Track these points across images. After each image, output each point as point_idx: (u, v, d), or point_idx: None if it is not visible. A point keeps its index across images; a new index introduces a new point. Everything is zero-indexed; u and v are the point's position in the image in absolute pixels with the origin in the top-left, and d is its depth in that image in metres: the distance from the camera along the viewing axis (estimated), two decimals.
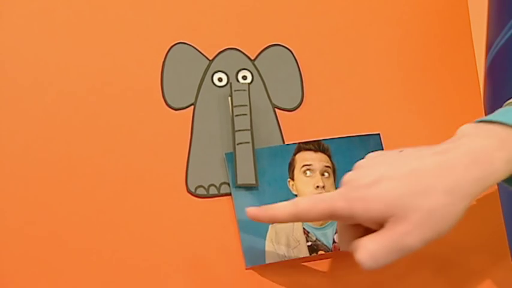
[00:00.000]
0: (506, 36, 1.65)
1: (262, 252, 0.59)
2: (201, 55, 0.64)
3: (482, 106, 0.68)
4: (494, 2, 1.68)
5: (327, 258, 0.60)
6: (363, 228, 0.52)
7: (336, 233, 0.60)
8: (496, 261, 0.64)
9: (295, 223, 0.60)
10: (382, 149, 0.63)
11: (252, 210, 0.55)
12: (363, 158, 0.60)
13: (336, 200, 0.52)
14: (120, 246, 0.58)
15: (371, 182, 0.51)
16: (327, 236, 0.60)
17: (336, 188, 0.61)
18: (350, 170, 0.60)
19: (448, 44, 0.70)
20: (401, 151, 0.54)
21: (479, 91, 0.69)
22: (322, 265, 0.60)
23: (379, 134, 0.64)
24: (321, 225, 0.60)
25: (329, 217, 0.52)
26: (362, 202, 0.51)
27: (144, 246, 0.58)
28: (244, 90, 0.62)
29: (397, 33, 0.68)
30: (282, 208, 0.54)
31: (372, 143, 0.64)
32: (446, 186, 0.50)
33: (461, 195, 0.50)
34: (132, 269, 0.58)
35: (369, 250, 0.50)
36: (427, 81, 0.68)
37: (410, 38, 0.69)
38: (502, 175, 0.52)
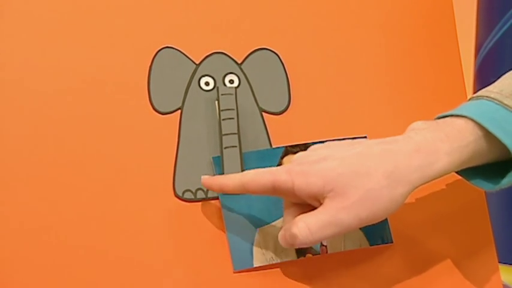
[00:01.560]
0: (495, 38, 1.67)
1: (250, 255, 0.59)
2: (188, 59, 0.64)
3: None
4: (483, 5, 1.70)
5: (315, 261, 0.61)
6: (308, 209, 0.55)
7: None
8: (483, 263, 0.65)
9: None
10: None
11: (205, 179, 0.58)
12: None
13: (279, 173, 0.55)
14: (106, 250, 0.58)
15: (316, 160, 0.54)
16: None
17: None
18: None
19: (434, 47, 0.70)
20: (354, 138, 0.58)
21: (465, 94, 0.69)
22: (310, 268, 0.61)
23: (365, 137, 0.64)
24: None
25: (272, 190, 0.55)
26: (303, 176, 0.53)
27: (131, 250, 0.58)
28: (231, 94, 0.63)
29: (383, 36, 0.69)
30: (231, 178, 0.57)
31: None
32: (386, 170, 0.53)
33: (401, 181, 0.53)
34: (120, 273, 0.58)
35: (305, 223, 0.53)
36: (413, 84, 0.69)
37: (397, 41, 0.69)
38: (446, 166, 0.54)
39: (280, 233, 0.55)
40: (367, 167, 0.53)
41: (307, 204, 0.55)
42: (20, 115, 0.60)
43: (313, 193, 0.53)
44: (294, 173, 0.54)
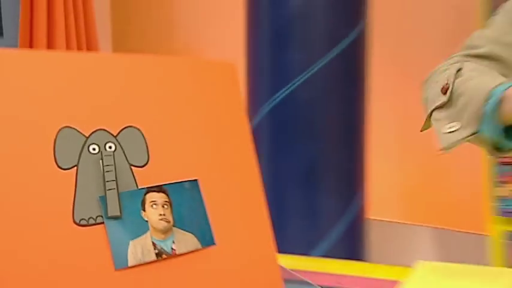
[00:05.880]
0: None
1: (126, 257, 0.87)
2: (80, 134, 0.84)
3: None
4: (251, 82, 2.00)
5: (167, 259, 0.89)
6: None
7: (174, 243, 0.91)
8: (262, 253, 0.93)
9: (147, 237, 0.89)
10: (200, 193, 0.93)
11: None
12: (188, 197, 0.90)
13: None
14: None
15: None
16: (167, 245, 0.90)
17: (173, 216, 0.90)
18: (181, 204, 0.89)
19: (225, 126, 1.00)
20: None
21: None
22: (165, 265, 0.89)
23: (196, 180, 0.94)
24: (163, 238, 0.91)
25: None
26: None
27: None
28: (110, 155, 0.85)
29: (197, 115, 0.98)
30: None
31: (189, 186, 0.93)
32: None
33: None
34: None
35: None
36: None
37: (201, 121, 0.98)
38: None
39: None
40: None
41: None
42: None
43: None
44: None
